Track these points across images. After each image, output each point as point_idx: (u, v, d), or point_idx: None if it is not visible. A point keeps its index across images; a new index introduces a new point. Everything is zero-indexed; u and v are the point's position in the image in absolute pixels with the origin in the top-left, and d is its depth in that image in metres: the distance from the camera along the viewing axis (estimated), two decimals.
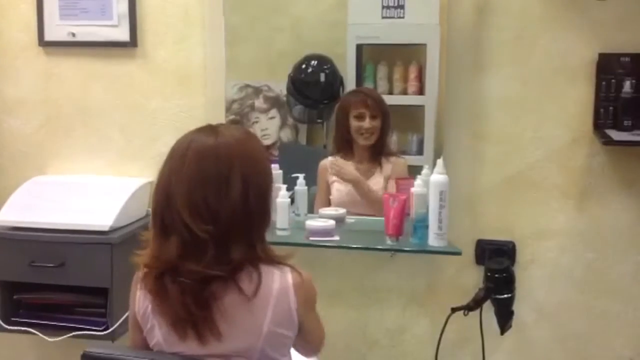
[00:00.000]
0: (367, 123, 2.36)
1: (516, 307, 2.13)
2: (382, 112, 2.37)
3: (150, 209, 2.40)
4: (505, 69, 2.25)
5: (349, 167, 2.40)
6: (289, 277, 1.41)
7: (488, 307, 2.14)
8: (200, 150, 1.38)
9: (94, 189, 2.43)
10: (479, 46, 2.25)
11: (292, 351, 1.53)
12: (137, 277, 1.47)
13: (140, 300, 1.45)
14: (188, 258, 1.35)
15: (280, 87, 2.51)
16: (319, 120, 2.54)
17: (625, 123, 2.13)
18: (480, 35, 2.24)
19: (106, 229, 2.23)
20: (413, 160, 2.39)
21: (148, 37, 2.47)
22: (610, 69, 2.16)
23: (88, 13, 2.47)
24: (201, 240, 1.35)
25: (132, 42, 2.46)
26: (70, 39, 2.49)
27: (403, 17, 2.34)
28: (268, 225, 1.47)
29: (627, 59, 2.15)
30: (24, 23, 2.54)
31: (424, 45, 2.36)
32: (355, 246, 2.24)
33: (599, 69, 2.18)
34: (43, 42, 2.52)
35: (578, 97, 2.21)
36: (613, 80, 2.15)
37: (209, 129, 1.45)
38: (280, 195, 2.22)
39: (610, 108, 2.15)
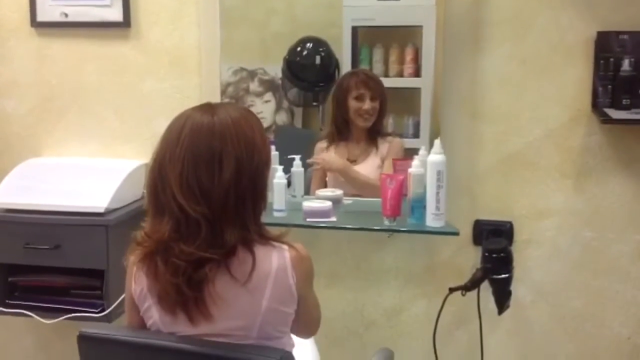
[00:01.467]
0: (367, 104, 2.34)
1: (514, 287, 2.13)
2: (381, 93, 2.36)
3: (145, 191, 2.44)
4: (503, 48, 2.23)
5: (333, 156, 2.39)
6: (286, 254, 1.40)
7: (486, 288, 2.14)
8: (195, 128, 1.37)
9: (88, 171, 2.42)
10: (476, 25, 2.23)
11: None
12: (132, 256, 1.45)
13: (137, 279, 1.43)
14: (181, 239, 1.34)
15: (275, 70, 2.48)
16: (314, 103, 2.52)
17: (624, 102, 2.12)
18: (478, 15, 2.22)
19: (102, 210, 2.21)
20: (409, 143, 2.38)
21: (141, 17, 2.44)
22: (608, 47, 2.14)
23: None
24: (194, 220, 1.34)
25: (126, 22, 2.43)
26: (62, 19, 2.46)
27: None
28: (264, 207, 1.45)
29: (625, 37, 2.13)
30: (16, 3, 2.51)
31: (420, 27, 2.34)
32: (352, 227, 2.22)
33: (598, 47, 2.16)
34: (35, 23, 2.49)
35: (576, 76, 2.20)
36: (611, 59, 2.13)
37: (207, 107, 1.43)
38: (277, 177, 2.21)
39: (609, 86, 2.13)
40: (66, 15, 2.46)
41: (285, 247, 1.41)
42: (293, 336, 1.54)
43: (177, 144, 1.36)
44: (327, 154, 2.40)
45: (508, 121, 2.26)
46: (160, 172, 1.37)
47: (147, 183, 1.41)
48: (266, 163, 1.44)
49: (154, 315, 1.42)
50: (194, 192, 1.34)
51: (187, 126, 1.37)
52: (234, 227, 1.36)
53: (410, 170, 2.15)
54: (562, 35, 2.19)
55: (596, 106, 2.16)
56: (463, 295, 2.11)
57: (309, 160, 2.38)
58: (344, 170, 2.37)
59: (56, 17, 2.47)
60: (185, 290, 1.34)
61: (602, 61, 2.14)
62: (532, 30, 2.20)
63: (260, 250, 1.38)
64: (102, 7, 2.43)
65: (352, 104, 2.36)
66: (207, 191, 1.34)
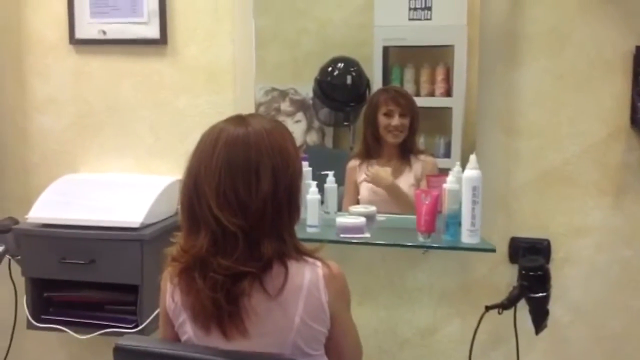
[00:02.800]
0: (396, 120, 2.33)
1: (551, 306, 2.08)
2: (411, 110, 2.35)
3: (179, 206, 2.45)
4: (540, 62, 2.21)
5: (384, 172, 2.37)
6: (319, 270, 1.39)
7: (522, 307, 2.10)
8: (230, 140, 1.36)
9: (124, 187, 2.44)
10: (512, 39, 2.22)
11: None
12: (167, 271, 1.45)
13: (172, 295, 1.43)
14: (218, 252, 1.34)
15: (306, 90, 2.49)
16: (345, 123, 2.51)
17: None
18: (514, 28, 2.21)
19: (137, 225, 2.22)
20: (440, 162, 2.36)
21: (178, 34, 2.47)
22: None
23: (119, 10, 2.47)
24: (231, 233, 1.33)
25: (162, 39, 2.46)
26: (100, 36, 2.50)
27: (430, 19, 2.32)
28: (298, 220, 1.45)
29: None
30: (55, 21, 2.55)
31: (452, 46, 2.34)
32: (386, 243, 2.21)
33: (636, 62, 2.13)
34: (74, 40, 2.53)
35: (614, 91, 2.17)
36: None
37: (239, 119, 1.43)
38: (311, 192, 2.20)
39: None
40: (104, 32, 2.50)
41: (318, 263, 1.40)
42: None
43: (212, 156, 1.36)
44: (378, 169, 2.38)
45: (545, 137, 2.23)
46: (195, 186, 1.36)
47: (182, 197, 1.40)
48: (300, 173, 1.44)
49: (188, 330, 1.41)
50: (232, 204, 1.33)
51: (222, 138, 1.37)
52: (270, 239, 1.35)
53: (445, 186, 2.13)
54: (600, 49, 2.16)
55: (635, 122, 2.13)
56: (500, 313, 2.07)
57: (366, 174, 2.38)
58: (392, 186, 2.36)
59: (94, 34, 2.51)
60: (224, 304, 1.32)
61: None
62: (568, 44, 2.18)
63: (293, 265, 1.37)
64: (140, 25, 2.46)
65: (382, 120, 2.35)
66: (245, 203, 1.33)
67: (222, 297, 1.33)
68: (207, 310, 1.34)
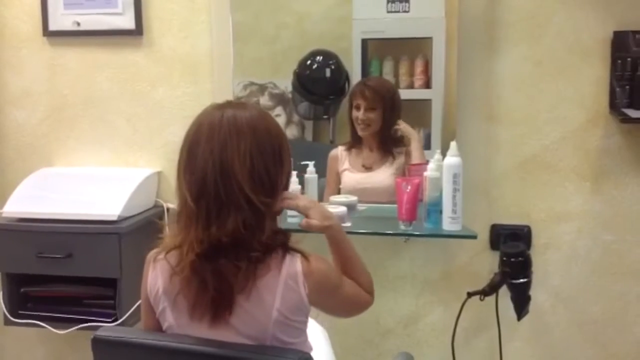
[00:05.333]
0: (361, 114, 2.32)
1: (533, 292, 2.10)
2: (381, 103, 2.33)
3: (158, 199, 2.42)
4: (518, 49, 2.21)
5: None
6: (298, 264, 1.36)
7: (504, 294, 2.11)
8: (252, 125, 1.35)
9: (101, 180, 2.41)
10: (491, 26, 2.22)
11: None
12: (149, 258, 1.43)
13: (153, 280, 1.41)
14: (253, 233, 1.32)
15: (285, 84, 2.47)
16: (325, 117, 2.50)
17: None
18: (493, 17, 2.21)
19: (114, 218, 2.20)
20: None
21: (154, 24, 2.43)
22: (625, 47, 2.10)
23: (93, 1, 2.43)
24: (261, 213, 1.33)
25: (138, 30, 2.43)
26: (75, 28, 2.46)
27: (408, 11, 2.31)
28: None
29: None
30: (28, 13, 2.51)
31: (430, 38, 2.34)
32: (367, 232, 2.20)
33: (614, 47, 2.14)
34: (47, 32, 2.49)
35: (593, 77, 2.17)
36: (629, 59, 2.09)
37: (240, 104, 1.44)
38: (292, 182, 2.17)
39: (627, 87, 2.09)
40: (78, 24, 2.46)
41: (297, 256, 1.37)
42: (310, 340, 1.50)
43: (238, 138, 1.33)
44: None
45: (524, 123, 2.23)
46: (222, 170, 1.32)
47: (201, 184, 1.33)
48: None
49: (169, 318, 1.39)
50: (264, 183, 1.34)
51: (241, 120, 1.35)
52: (276, 223, 1.40)
53: (425, 174, 2.12)
54: (578, 35, 2.17)
55: (614, 107, 2.13)
56: (481, 300, 2.08)
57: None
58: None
59: (68, 26, 2.46)
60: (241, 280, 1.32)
61: (619, 61, 2.10)
62: (547, 30, 2.18)
63: (279, 253, 1.36)
64: (114, 16, 2.43)
65: (353, 112, 2.35)
66: (275, 182, 1.37)
67: (252, 276, 1.32)
68: (221, 296, 1.32)
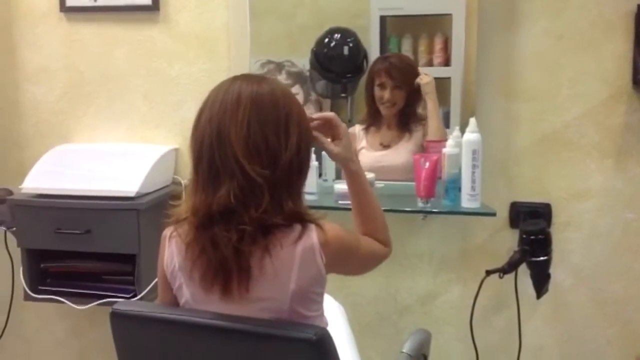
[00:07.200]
0: (387, 93, 2.30)
1: (552, 270, 2.08)
2: (407, 82, 2.30)
3: (176, 176, 2.43)
4: (540, 23, 2.17)
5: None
6: (314, 235, 1.34)
7: (523, 272, 2.09)
8: (256, 97, 1.32)
9: (119, 156, 2.40)
10: (511, 1, 2.17)
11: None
12: (165, 234, 1.42)
13: (169, 257, 1.40)
14: (246, 204, 1.29)
15: (303, 62, 2.45)
16: (342, 95, 2.48)
17: None
18: None
19: (133, 194, 2.19)
20: None
21: (170, 0, 2.41)
22: None
23: None
24: (257, 185, 1.29)
25: (154, 5, 2.41)
26: (91, 3, 2.45)
27: None
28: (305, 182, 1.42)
29: None
30: None
31: (450, 15, 2.30)
32: (385, 209, 2.16)
33: (638, 21, 2.09)
34: (64, 8, 2.48)
35: (616, 51, 2.13)
36: None
37: (255, 77, 1.39)
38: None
39: None
40: (95, 0, 2.45)
41: (312, 227, 1.35)
42: (326, 316, 1.50)
43: (237, 109, 1.31)
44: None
45: (545, 99, 2.19)
46: (218, 137, 1.30)
47: (199, 149, 1.33)
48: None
49: (185, 294, 1.39)
50: (261, 153, 1.30)
51: (246, 95, 1.32)
52: (288, 197, 1.33)
53: (444, 150, 2.10)
54: (601, 9, 2.12)
55: (637, 82, 2.09)
56: (500, 277, 2.06)
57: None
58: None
59: (85, 1, 2.46)
60: (243, 259, 1.30)
61: None
62: (569, 4, 2.14)
63: (297, 228, 1.34)
64: None
65: (376, 91, 2.32)
66: (275, 153, 1.31)
67: (247, 250, 1.29)
68: (221, 266, 1.30)
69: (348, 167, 1.54)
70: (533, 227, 2.08)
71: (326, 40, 2.42)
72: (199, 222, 1.32)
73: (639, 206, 2.19)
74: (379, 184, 2.28)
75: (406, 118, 2.35)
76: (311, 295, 1.37)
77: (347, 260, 1.45)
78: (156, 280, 1.50)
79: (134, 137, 2.52)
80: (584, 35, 2.14)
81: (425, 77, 2.27)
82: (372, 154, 2.37)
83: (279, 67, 2.47)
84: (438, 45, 2.33)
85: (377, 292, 2.39)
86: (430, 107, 2.26)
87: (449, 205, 2.11)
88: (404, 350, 1.66)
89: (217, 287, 1.33)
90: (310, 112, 2.45)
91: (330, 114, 1.52)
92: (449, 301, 2.37)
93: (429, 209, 2.13)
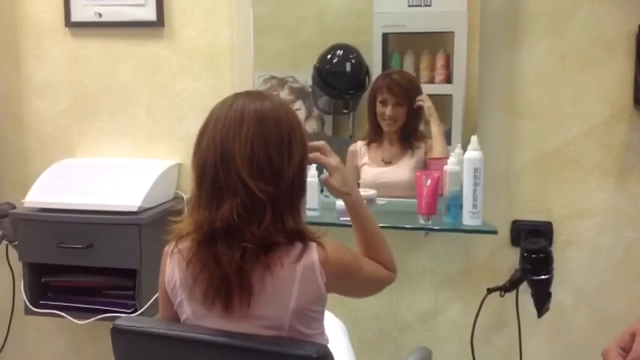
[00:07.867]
0: (389, 110, 2.30)
1: (554, 289, 2.07)
2: (409, 99, 2.31)
3: (178, 191, 2.43)
4: (542, 42, 2.18)
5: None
6: (314, 253, 1.34)
7: (524, 290, 2.09)
8: (259, 113, 1.33)
9: (121, 171, 2.42)
10: (514, 21, 2.19)
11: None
12: (166, 250, 1.43)
13: (170, 273, 1.41)
14: (248, 221, 1.30)
15: (305, 78, 2.46)
16: (345, 111, 2.49)
17: None
18: (516, 9, 2.18)
19: (135, 209, 2.20)
20: None
21: (175, 16, 2.44)
22: None
23: None
24: (260, 203, 1.30)
25: (159, 21, 2.43)
26: (96, 19, 2.47)
27: (430, 5, 2.29)
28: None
29: None
30: (50, 4, 2.52)
31: (452, 32, 2.31)
32: (386, 225, 2.17)
33: (639, 41, 2.10)
34: (69, 23, 2.50)
35: (618, 71, 2.14)
36: None
37: (257, 94, 1.40)
38: (310, 175, 2.16)
39: None
40: (100, 15, 2.47)
41: (314, 245, 1.35)
42: (327, 333, 1.50)
43: (241, 125, 1.31)
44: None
45: (547, 118, 2.20)
46: (222, 153, 1.31)
47: (202, 167, 1.34)
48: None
49: (186, 310, 1.39)
50: (264, 170, 1.31)
51: (249, 112, 1.33)
52: (289, 214, 1.33)
53: (446, 167, 2.11)
54: (602, 29, 2.13)
55: (638, 102, 2.10)
56: (502, 296, 2.06)
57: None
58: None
59: (90, 17, 2.48)
60: (244, 276, 1.30)
61: None
62: (571, 24, 2.15)
63: (297, 246, 1.34)
64: (136, 7, 2.43)
65: (378, 107, 2.33)
66: (278, 171, 1.32)
67: (249, 267, 1.30)
68: (223, 283, 1.31)
69: (345, 200, 1.55)
70: (534, 245, 2.07)
71: (329, 56, 2.44)
72: (201, 238, 1.33)
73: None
74: (381, 201, 2.28)
75: (408, 134, 2.35)
76: (311, 314, 1.37)
77: (348, 280, 1.45)
78: (157, 295, 1.50)
79: (138, 152, 2.53)
80: (585, 55, 2.16)
81: (427, 100, 2.28)
82: (374, 169, 2.38)
83: (282, 82, 2.48)
84: (440, 62, 2.34)
85: (378, 309, 2.39)
86: (434, 129, 2.27)
87: (450, 223, 2.11)
88: None
89: (219, 304, 1.33)
90: (313, 128, 2.48)
91: (320, 143, 1.51)
92: (450, 319, 2.36)
93: (430, 226, 2.14)
